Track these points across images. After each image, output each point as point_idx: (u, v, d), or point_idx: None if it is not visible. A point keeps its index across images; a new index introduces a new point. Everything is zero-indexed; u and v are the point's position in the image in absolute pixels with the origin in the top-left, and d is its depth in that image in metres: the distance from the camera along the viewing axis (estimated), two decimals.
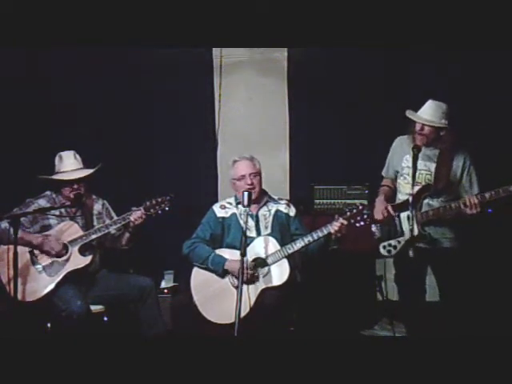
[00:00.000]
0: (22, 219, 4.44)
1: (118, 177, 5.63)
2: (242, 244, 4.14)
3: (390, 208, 4.49)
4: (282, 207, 4.64)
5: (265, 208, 4.61)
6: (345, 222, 4.34)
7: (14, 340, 3.93)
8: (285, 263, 4.42)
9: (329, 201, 5.63)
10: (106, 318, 4.66)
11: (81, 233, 4.57)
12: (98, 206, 4.77)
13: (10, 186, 5.40)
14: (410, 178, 4.35)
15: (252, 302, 4.32)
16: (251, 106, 6.09)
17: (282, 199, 4.74)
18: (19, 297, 4.29)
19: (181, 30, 4.19)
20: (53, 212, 4.55)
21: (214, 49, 5.95)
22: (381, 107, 5.60)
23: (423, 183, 4.44)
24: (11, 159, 5.63)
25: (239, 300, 3.98)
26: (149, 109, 5.91)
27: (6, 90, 5.60)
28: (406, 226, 4.41)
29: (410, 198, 4.28)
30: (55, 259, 4.52)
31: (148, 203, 4.58)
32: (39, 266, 4.51)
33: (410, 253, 4.24)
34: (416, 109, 4.43)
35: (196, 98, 5.99)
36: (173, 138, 5.96)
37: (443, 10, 4.09)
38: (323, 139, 5.90)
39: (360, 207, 4.40)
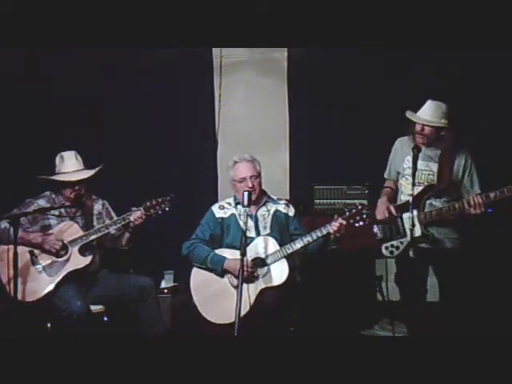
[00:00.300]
0: (22, 219, 4.45)
1: (118, 177, 5.63)
2: (242, 244, 4.14)
3: (392, 209, 4.49)
4: (281, 207, 4.64)
5: (264, 208, 4.61)
6: (344, 223, 4.34)
7: (14, 340, 3.93)
8: (284, 263, 4.42)
9: (329, 201, 5.63)
10: (106, 318, 4.66)
11: (81, 233, 4.56)
12: (98, 206, 4.77)
13: (9, 186, 5.40)
14: (411, 179, 4.35)
15: (251, 302, 4.32)
16: (251, 106, 6.09)
17: (281, 199, 4.73)
18: (19, 297, 4.29)
19: (181, 30, 4.19)
20: (53, 212, 4.55)
21: (213, 49, 5.95)
22: (381, 107, 5.60)
23: (425, 183, 4.44)
24: (11, 159, 5.64)
25: (239, 300, 3.98)
26: (149, 109, 5.91)
27: (6, 90, 5.60)
28: (408, 227, 4.41)
29: (411, 199, 4.29)
30: (55, 259, 4.52)
31: (148, 203, 4.58)
32: (39, 266, 4.51)
33: (411, 253, 4.25)
34: (416, 109, 4.43)
35: (196, 98, 6.00)
36: (173, 138, 5.96)
37: (443, 10, 4.08)
38: (323, 139, 5.90)
39: (359, 207, 4.40)
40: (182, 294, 4.69)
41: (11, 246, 4.16)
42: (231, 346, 3.75)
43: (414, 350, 3.70)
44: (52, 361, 3.57)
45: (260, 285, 4.40)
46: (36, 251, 4.52)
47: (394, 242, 4.49)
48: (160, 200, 4.60)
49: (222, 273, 4.47)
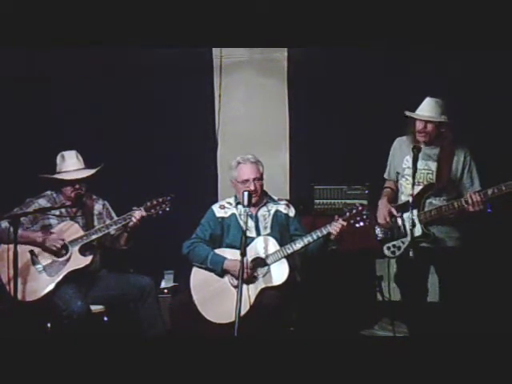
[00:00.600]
0: (23, 219, 4.46)
1: (118, 177, 5.63)
2: (242, 244, 4.14)
3: (393, 211, 4.49)
4: (282, 208, 4.64)
5: (264, 208, 4.61)
6: (344, 223, 4.34)
7: (14, 340, 3.93)
8: (284, 263, 4.42)
9: (329, 201, 5.62)
10: (106, 318, 4.66)
11: (81, 233, 4.57)
12: (98, 207, 4.77)
13: (10, 186, 5.40)
14: (411, 179, 4.35)
15: (251, 302, 4.33)
16: (251, 106, 6.09)
17: (281, 200, 4.74)
18: (19, 296, 4.30)
19: (181, 30, 4.19)
20: (53, 212, 4.55)
21: (213, 49, 5.95)
22: (381, 107, 5.59)
23: (425, 183, 4.45)
24: (11, 159, 5.64)
25: (239, 300, 3.98)
26: (149, 109, 5.91)
27: (6, 90, 5.60)
28: (409, 227, 4.41)
29: (410, 199, 4.29)
30: (56, 259, 4.52)
31: (149, 203, 4.59)
32: (39, 266, 4.51)
33: (410, 253, 4.25)
34: (413, 109, 4.44)
35: (196, 97, 5.99)
36: (173, 138, 5.96)
37: (443, 10, 4.08)
38: (323, 139, 5.90)
39: (360, 208, 4.40)
40: (182, 293, 4.68)
41: (11, 246, 4.16)
42: (231, 346, 3.76)
43: (414, 350, 3.70)
44: (52, 361, 3.57)
45: (260, 284, 4.41)
46: (36, 251, 4.52)
47: (396, 242, 4.49)
48: (160, 200, 4.60)
49: (221, 273, 4.48)
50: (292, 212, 4.66)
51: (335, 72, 5.77)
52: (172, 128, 5.96)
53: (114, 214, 4.76)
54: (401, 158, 4.54)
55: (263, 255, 4.45)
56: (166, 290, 5.44)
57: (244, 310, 4.15)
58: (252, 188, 4.48)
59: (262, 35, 4.24)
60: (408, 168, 4.44)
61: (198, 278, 4.54)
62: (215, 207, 4.69)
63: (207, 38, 4.32)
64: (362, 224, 4.37)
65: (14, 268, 4.13)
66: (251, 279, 4.38)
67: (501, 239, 5.23)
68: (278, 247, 4.44)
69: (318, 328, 5.00)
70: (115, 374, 3.52)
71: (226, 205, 4.67)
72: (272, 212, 4.61)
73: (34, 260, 4.52)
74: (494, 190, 4.21)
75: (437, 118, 4.36)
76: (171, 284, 5.56)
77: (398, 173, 4.59)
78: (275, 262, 4.42)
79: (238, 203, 4.61)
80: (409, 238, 4.37)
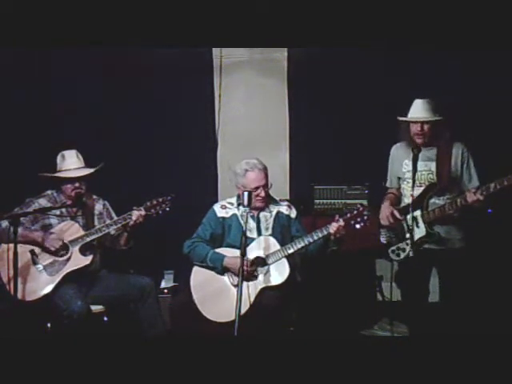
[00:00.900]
0: (23, 218, 4.46)
1: (118, 177, 5.63)
2: (242, 244, 4.14)
3: (396, 213, 4.48)
4: (284, 209, 4.64)
5: (266, 209, 4.61)
6: (343, 224, 4.34)
7: (14, 340, 3.93)
8: (285, 263, 4.42)
9: (329, 201, 5.62)
10: (106, 318, 4.66)
11: (81, 232, 4.57)
12: (98, 207, 4.78)
13: (10, 186, 5.40)
14: (412, 180, 4.35)
15: (251, 301, 4.33)
16: (251, 106, 6.09)
17: (283, 201, 4.74)
18: (19, 296, 4.30)
19: (181, 30, 4.19)
20: (53, 212, 4.55)
21: (213, 49, 5.95)
22: (381, 107, 5.59)
23: (426, 183, 4.45)
24: (11, 159, 5.64)
25: (239, 299, 3.98)
26: (149, 109, 5.91)
27: (7, 90, 5.60)
28: (413, 228, 4.42)
29: (410, 199, 4.30)
30: (56, 259, 4.52)
31: (149, 203, 4.59)
32: (40, 266, 4.51)
33: (410, 253, 4.25)
34: (403, 114, 4.44)
35: (196, 98, 5.99)
36: (173, 138, 5.96)
37: (443, 10, 4.08)
38: (323, 139, 5.90)
39: (360, 208, 4.40)
40: (182, 293, 4.68)
41: (11, 246, 4.16)
42: (231, 346, 3.76)
43: (413, 350, 3.70)
44: (52, 361, 3.57)
45: (260, 284, 4.41)
46: (37, 250, 4.52)
47: (400, 245, 4.48)
48: (161, 200, 4.60)
49: (222, 271, 4.48)
50: (294, 213, 4.66)
51: (335, 72, 5.78)
52: (172, 128, 5.96)
53: (114, 215, 4.76)
54: (400, 162, 4.54)
55: (263, 255, 4.45)
56: (166, 290, 5.44)
57: (244, 309, 4.15)
58: (263, 195, 4.48)
59: (261, 35, 4.24)
60: (408, 171, 4.44)
61: (198, 277, 4.54)
62: (216, 207, 4.69)
63: (207, 38, 4.31)
64: (362, 225, 4.37)
65: (14, 268, 4.13)
66: (251, 277, 4.39)
67: (502, 240, 5.23)
68: (278, 247, 4.44)
69: (318, 328, 5.00)
70: (115, 374, 3.52)
71: (228, 205, 4.66)
72: (274, 213, 4.61)
73: (34, 259, 4.52)
74: (496, 184, 4.21)
75: (432, 118, 4.37)
76: (171, 284, 5.56)
77: (399, 178, 4.58)
78: (275, 261, 4.42)
79: (239, 204, 4.60)
80: (413, 239, 4.38)
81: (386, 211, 4.53)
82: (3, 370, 3.50)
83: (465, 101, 5.28)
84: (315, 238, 4.41)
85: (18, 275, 4.19)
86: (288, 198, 5.67)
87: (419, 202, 4.39)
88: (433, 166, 4.45)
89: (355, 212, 4.39)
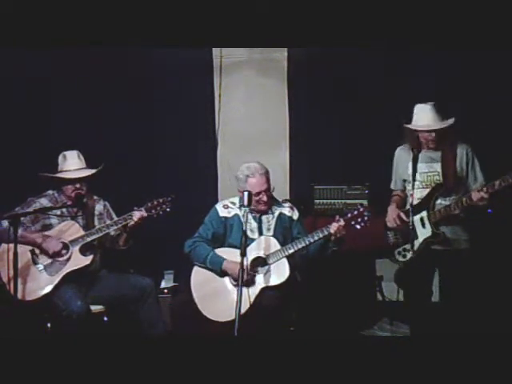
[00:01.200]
0: (23, 218, 4.45)
1: (117, 177, 5.62)
2: (242, 244, 4.14)
3: (402, 215, 4.49)
4: (286, 210, 4.63)
5: (268, 211, 4.59)
6: (343, 224, 4.34)
7: (14, 340, 3.93)
8: (285, 263, 4.42)
9: (329, 201, 5.62)
10: (106, 318, 4.66)
11: (82, 232, 4.57)
12: (99, 207, 4.77)
13: (10, 186, 5.40)
14: (418, 183, 4.41)
15: (252, 300, 4.32)
16: (251, 106, 6.08)
17: (285, 202, 4.74)
18: (19, 296, 4.29)
19: (181, 30, 4.19)
20: (54, 212, 4.55)
21: (213, 49, 5.95)
22: (381, 107, 5.60)
23: (432, 185, 4.46)
24: (12, 159, 5.64)
25: (239, 301, 3.98)
26: (149, 109, 5.91)
27: (7, 90, 5.60)
28: (419, 229, 4.42)
29: (410, 199, 4.32)
30: (56, 258, 4.52)
31: (149, 204, 4.59)
32: (40, 265, 4.52)
33: (410, 253, 4.26)
34: (407, 119, 4.43)
35: (196, 98, 5.99)
36: (173, 138, 5.96)
37: (443, 10, 4.09)
38: (323, 139, 5.90)
39: (361, 209, 4.40)
40: (182, 293, 4.68)
41: (12, 246, 4.16)
42: (231, 346, 3.76)
43: (414, 350, 3.70)
44: (52, 361, 3.57)
45: (260, 284, 4.41)
46: (37, 250, 4.52)
47: (407, 246, 4.48)
48: (161, 200, 4.61)
49: (221, 273, 4.48)
50: (296, 215, 4.65)
51: (335, 72, 5.77)
52: (172, 128, 5.96)
53: (114, 215, 4.75)
54: (405, 165, 4.53)
55: (264, 255, 4.45)
56: (166, 290, 5.43)
57: (244, 308, 4.15)
58: (265, 200, 4.48)
59: (262, 35, 4.24)
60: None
61: (199, 276, 4.54)
62: (219, 206, 4.68)
63: (207, 38, 4.32)
64: (362, 225, 4.37)
65: (13, 268, 4.13)
66: (250, 281, 4.38)
67: (506, 240, 5.22)
68: (278, 247, 4.44)
69: (318, 328, 4.99)
70: (115, 374, 3.52)
71: (230, 204, 4.66)
72: (276, 214, 4.60)
73: (34, 259, 4.52)
74: (501, 182, 4.21)
75: (445, 125, 4.37)
76: (171, 284, 5.56)
77: (404, 180, 4.58)
78: (276, 261, 4.42)
79: (242, 205, 4.58)
80: (420, 240, 4.41)
81: (392, 214, 4.54)
82: (3, 370, 3.50)
83: (463, 99, 5.27)
84: (315, 238, 4.41)
85: (19, 275, 4.19)
86: (288, 197, 5.67)
87: (426, 203, 4.42)
88: (438, 167, 4.46)
89: (356, 212, 4.38)
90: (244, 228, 4.22)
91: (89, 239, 4.55)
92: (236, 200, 4.66)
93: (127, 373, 3.53)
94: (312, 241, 4.42)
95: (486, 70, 5.35)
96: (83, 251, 4.55)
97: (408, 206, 4.49)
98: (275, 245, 4.46)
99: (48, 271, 4.51)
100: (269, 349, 3.64)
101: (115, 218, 4.68)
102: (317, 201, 5.64)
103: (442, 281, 4.50)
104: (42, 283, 4.48)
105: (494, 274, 5.15)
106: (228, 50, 5.93)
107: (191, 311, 4.45)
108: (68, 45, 4.47)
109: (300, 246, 4.43)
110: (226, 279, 4.49)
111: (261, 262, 4.45)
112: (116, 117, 5.87)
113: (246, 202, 4.31)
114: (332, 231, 4.36)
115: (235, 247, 4.44)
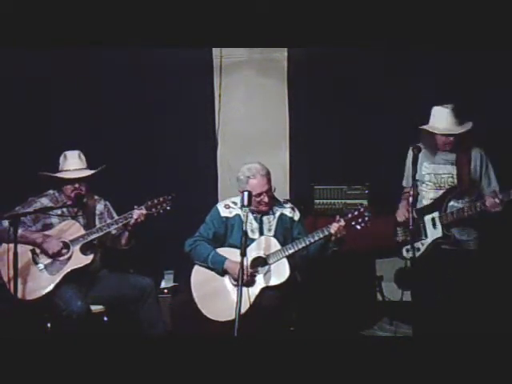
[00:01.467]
0: (24, 217, 4.45)
1: (117, 177, 5.62)
2: (242, 244, 4.14)
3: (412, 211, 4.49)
4: (287, 211, 4.63)
5: (269, 211, 4.59)
6: (343, 224, 4.34)
7: (14, 340, 3.93)
8: (285, 263, 4.42)
9: (329, 201, 5.62)
10: (106, 318, 4.66)
11: (82, 232, 4.57)
12: (100, 207, 4.77)
13: (10, 186, 5.40)
14: (432, 184, 4.44)
15: (252, 300, 4.32)
16: (251, 106, 6.08)
17: (287, 202, 4.73)
18: (19, 295, 4.30)
19: (181, 30, 4.19)
20: (55, 211, 4.55)
21: (213, 49, 5.94)
22: (381, 107, 5.60)
23: (446, 186, 4.47)
24: (11, 159, 5.64)
25: (239, 301, 3.98)
26: (149, 109, 5.91)
27: (7, 90, 5.60)
28: (430, 229, 4.42)
29: (410, 199, 4.32)
30: (57, 258, 4.52)
31: (150, 203, 4.59)
32: (41, 265, 4.52)
33: (410, 253, 4.27)
34: (424, 119, 4.42)
35: (196, 98, 5.99)
36: (173, 138, 5.96)
37: (443, 10, 4.08)
38: (323, 139, 5.90)
39: (361, 209, 4.40)
40: (182, 293, 4.68)
41: (12, 246, 4.16)
42: (231, 346, 3.76)
43: (414, 350, 3.70)
44: (52, 361, 3.57)
45: (260, 284, 4.41)
46: (38, 249, 4.52)
47: (415, 244, 4.47)
48: (162, 199, 4.61)
49: (222, 273, 4.48)
50: (297, 216, 4.65)
51: (335, 72, 5.77)
52: (172, 128, 5.96)
53: (115, 215, 4.75)
54: (419, 165, 4.52)
55: (264, 255, 4.45)
56: (166, 290, 5.43)
57: (244, 308, 4.15)
58: (266, 201, 4.48)
59: (262, 35, 4.24)
60: (427, 174, 4.50)
61: (199, 276, 4.54)
62: (220, 206, 4.68)
63: (207, 38, 4.32)
64: (363, 225, 4.37)
65: (14, 268, 4.13)
66: (251, 281, 4.38)
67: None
68: (279, 247, 4.44)
69: (318, 328, 5.00)
70: (115, 374, 3.52)
71: (231, 204, 4.66)
72: (277, 215, 4.60)
73: (35, 258, 4.52)
74: None
75: (464, 129, 4.38)
76: (171, 284, 5.56)
77: (417, 180, 4.58)
78: (276, 261, 4.42)
79: (242, 205, 4.58)
80: (429, 240, 4.43)
81: (402, 208, 4.57)
82: (3, 370, 3.50)
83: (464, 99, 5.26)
84: (316, 238, 4.41)
85: (19, 275, 4.20)
86: (288, 197, 5.67)
87: (438, 204, 4.44)
88: (453, 169, 4.47)
89: (356, 213, 4.38)
90: (244, 228, 4.21)
91: (89, 238, 4.55)
92: (237, 200, 4.65)
93: (127, 373, 3.53)
94: (312, 241, 4.42)
95: (488, 70, 5.34)
96: (84, 250, 4.55)
97: (419, 205, 4.52)
98: (275, 245, 4.46)
99: (48, 270, 4.51)
100: (269, 349, 3.64)
101: (116, 217, 4.68)
102: (317, 201, 5.63)
103: (449, 280, 4.49)
104: (42, 282, 4.48)
105: (501, 275, 5.13)
106: (228, 50, 5.93)
107: (191, 311, 4.46)
108: (68, 45, 4.47)
109: (300, 246, 4.43)
110: (226, 279, 4.49)
111: (261, 262, 4.45)
112: (116, 117, 5.87)
113: (246, 202, 4.30)
114: (332, 231, 4.36)
115: (236, 247, 4.44)
